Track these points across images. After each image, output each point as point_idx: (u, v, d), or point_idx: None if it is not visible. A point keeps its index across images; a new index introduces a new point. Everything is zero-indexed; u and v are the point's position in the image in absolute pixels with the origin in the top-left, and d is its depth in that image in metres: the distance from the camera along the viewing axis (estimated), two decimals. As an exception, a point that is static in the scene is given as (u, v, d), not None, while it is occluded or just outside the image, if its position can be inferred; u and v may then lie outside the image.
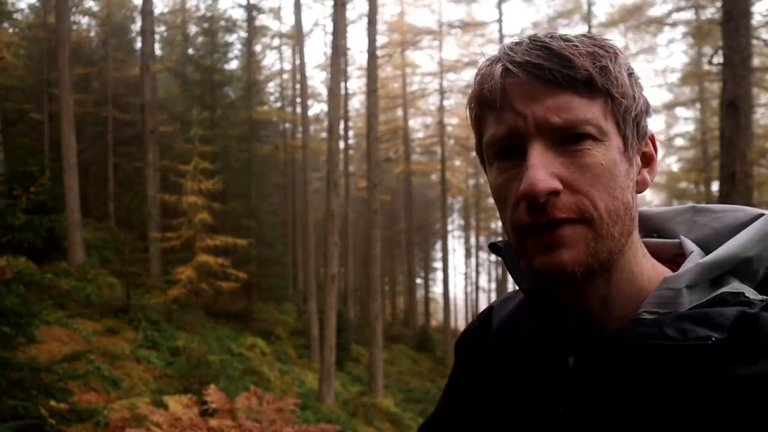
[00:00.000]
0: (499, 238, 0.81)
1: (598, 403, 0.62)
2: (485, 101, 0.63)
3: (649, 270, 0.66)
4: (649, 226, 0.76)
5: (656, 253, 0.70)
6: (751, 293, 0.61)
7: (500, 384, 0.74)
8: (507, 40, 0.65)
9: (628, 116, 0.62)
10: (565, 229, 0.59)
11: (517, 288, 0.76)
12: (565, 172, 0.59)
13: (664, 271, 0.67)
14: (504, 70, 0.61)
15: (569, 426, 0.63)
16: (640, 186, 0.65)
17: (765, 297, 0.60)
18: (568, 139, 0.60)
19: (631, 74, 0.62)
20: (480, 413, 0.76)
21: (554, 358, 0.68)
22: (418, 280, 38.05)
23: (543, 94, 0.59)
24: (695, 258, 0.65)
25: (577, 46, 0.60)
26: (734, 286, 0.61)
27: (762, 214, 0.66)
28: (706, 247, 0.68)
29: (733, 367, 0.55)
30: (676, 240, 0.72)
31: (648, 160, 0.67)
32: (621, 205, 0.61)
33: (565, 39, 0.61)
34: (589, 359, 0.63)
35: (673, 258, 0.70)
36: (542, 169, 0.58)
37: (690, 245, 0.69)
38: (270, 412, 5.69)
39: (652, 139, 0.67)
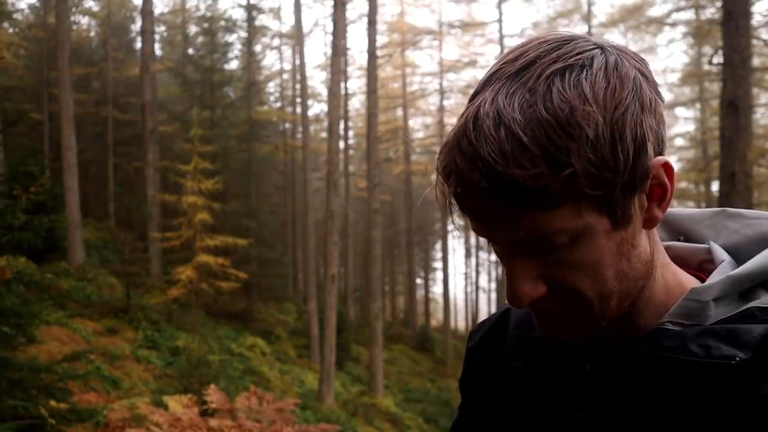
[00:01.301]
0: None
1: (616, 410, 0.61)
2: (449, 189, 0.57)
3: (670, 280, 0.63)
4: (676, 228, 0.73)
5: (682, 258, 0.68)
6: None
7: (516, 385, 0.73)
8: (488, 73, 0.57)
9: (613, 191, 0.54)
10: (560, 317, 0.60)
11: None
12: (548, 271, 0.57)
13: (687, 280, 0.64)
14: (461, 191, 0.55)
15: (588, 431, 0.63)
16: (649, 224, 0.60)
17: None
18: (544, 249, 0.56)
19: (616, 121, 0.53)
20: (496, 414, 0.75)
21: (572, 362, 0.67)
22: (418, 280, 38.05)
23: (505, 215, 0.54)
24: (726, 268, 0.62)
25: (530, 154, 0.50)
26: (764, 300, 0.59)
27: None
28: (736, 254, 0.65)
29: (757, 387, 0.53)
30: (705, 245, 0.68)
31: (657, 194, 0.58)
32: (613, 281, 0.58)
33: (515, 138, 0.51)
34: (607, 366, 0.63)
35: (700, 264, 0.68)
36: (520, 280, 0.57)
37: (720, 253, 0.66)
38: (270, 412, 5.69)
39: (667, 167, 0.58)
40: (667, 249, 0.67)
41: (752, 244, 0.65)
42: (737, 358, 0.54)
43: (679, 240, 0.72)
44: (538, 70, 0.53)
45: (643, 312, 0.62)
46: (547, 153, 0.51)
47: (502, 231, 0.56)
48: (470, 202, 0.55)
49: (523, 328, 0.75)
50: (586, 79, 0.53)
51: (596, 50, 0.55)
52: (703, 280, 0.64)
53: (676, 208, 0.73)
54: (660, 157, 0.57)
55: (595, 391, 0.63)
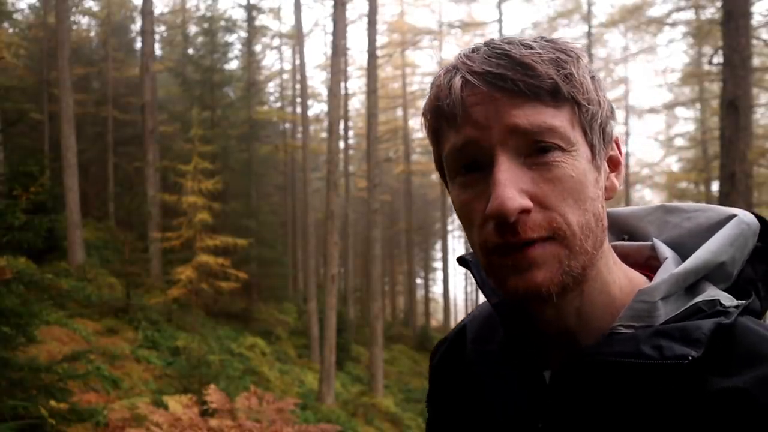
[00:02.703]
0: None
1: (577, 419, 0.61)
2: (443, 115, 0.59)
3: (621, 278, 0.64)
4: (620, 227, 0.73)
5: (628, 256, 0.68)
6: (726, 299, 0.60)
7: (477, 398, 0.72)
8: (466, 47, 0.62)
9: (595, 123, 0.59)
10: (536, 248, 0.56)
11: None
12: (534, 188, 0.56)
13: (636, 278, 0.65)
14: (463, 82, 0.57)
15: None
16: (609, 192, 0.63)
17: (740, 302, 0.60)
18: (536, 151, 0.56)
19: (593, 77, 0.59)
20: (462, 428, 0.74)
21: (530, 372, 0.66)
22: (418, 280, 38.06)
23: (507, 105, 0.56)
24: (669, 265, 0.63)
25: (539, 52, 0.56)
26: (709, 293, 0.60)
27: (734, 215, 0.65)
28: (679, 248, 0.66)
29: (710, 381, 0.54)
30: (649, 243, 0.70)
31: (615, 165, 0.64)
32: (592, 217, 0.58)
33: (525, 45, 0.57)
34: (565, 375, 0.62)
35: (646, 261, 0.69)
36: (510, 186, 0.55)
37: (663, 249, 0.67)
38: (270, 412, 5.69)
39: (617, 143, 0.64)
40: (614, 249, 0.67)
41: (693, 237, 0.66)
42: (690, 357, 0.54)
43: (623, 239, 0.73)
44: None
45: (596, 305, 0.62)
46: (552, 57, 0.57)
47: (500, 126, 0.56)
48: (470, 97, 0.57)
49: (480, 342, 0.75)
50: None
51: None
52: (651, 278, 0.64)
53: (617, 207, 0.75)
54: (615, 132, 0.64)
55: (555, 400, 0.63)
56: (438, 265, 39.48)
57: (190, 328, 12.04)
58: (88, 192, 19.65)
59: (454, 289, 35.33)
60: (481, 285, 0.70)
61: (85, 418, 5.05)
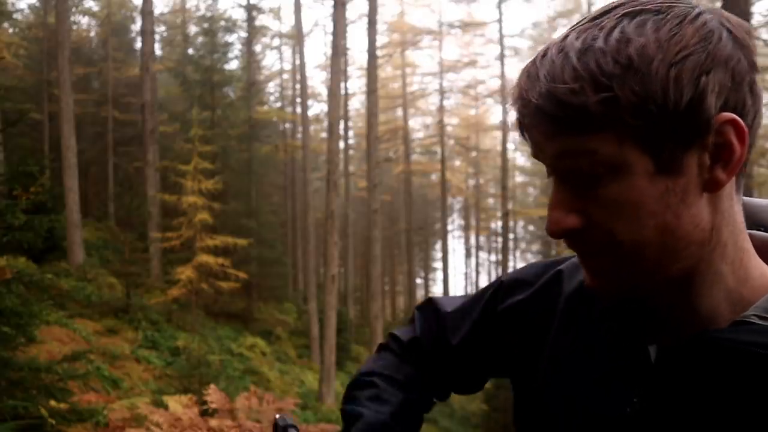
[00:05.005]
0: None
1: (679, 401, 0.59)
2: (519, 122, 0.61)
3: (751, 268, 0.61)
4: (755, 218, 0.69)
5: (760, 250, 0.65)
6: None
7: (564, 357, 0.70)
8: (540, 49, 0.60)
9: (658, 130, 0.53)
10: (589, 260, 0.60)
11: None
12: (585, 206, 0.57)
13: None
14: (519, 107, 0.59)
15: (644, 420, 0.61)
16: (710, 186, 0.56)
17: None
18: (582, 180, 0.56)
19: (675, 63, 0.52)
20: (536, 380, 0.73)
21: (634, 346, 0.64)
22: (418, 280, 38.08)
23: (549, 133, 0.56)
24: None
25: (578, 75, 0.53)
26: None
27: None
28: None
29: None
30: None
31: (721, 152, 0.55)
32: (652, 231, 0.55)
33: (567, 62, 0.54)
34: (679, 354, 0.59)
35: None
36: (559, 208, 0.58)
37: None
38: (270, 412, 5.69)
39: (735, 124, 0.54)
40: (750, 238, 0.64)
41: None
42: None
43: (760, 230, 0.68)
44: (613, 12, 0.56)
45: (710, 296, 0.59)
46: (592, 76, 0.52)
47: (545, 153, 0.58)
48: (525, 121, 0.58)
49: (578, 299, 0.72)
50: (653, 21, 0.54)
51: (686, 6, 0.55)
52: None
53: (755, 198, 0.70)
54: (726, 113, 0.54)
55: (660, 377, 0.60)
56: (438, 265, 39.51)
57: (190, 328, 12.05)
58: (88, 192, 19.67)
59: (454, 289, 35.36)
60: None
61: (85, 418, 5.05)
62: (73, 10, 21.77)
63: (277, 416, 0.85)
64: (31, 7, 22.17)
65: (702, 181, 0.56)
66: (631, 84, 0.52)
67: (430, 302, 0.94)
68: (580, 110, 0.53)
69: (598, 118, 0.53)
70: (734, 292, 0.59)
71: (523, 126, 0.59)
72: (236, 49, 21.25)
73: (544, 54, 0.57)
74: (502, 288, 0.82)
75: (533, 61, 0.58)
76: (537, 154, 0.59)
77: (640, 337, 0.64)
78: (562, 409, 0.68)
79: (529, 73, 0.57)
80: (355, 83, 32.21)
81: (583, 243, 0.58)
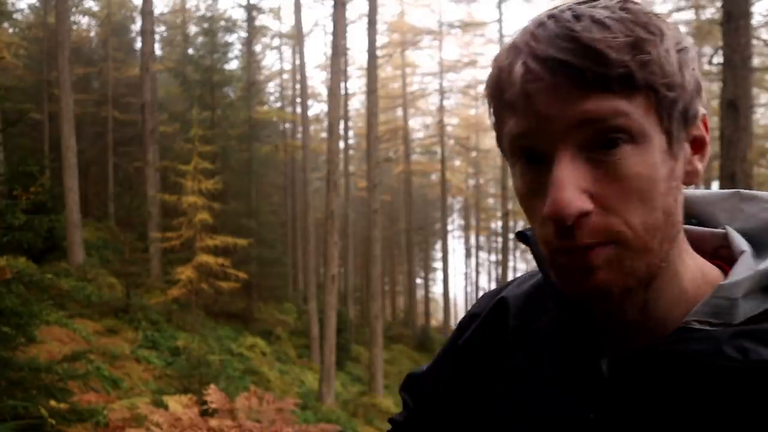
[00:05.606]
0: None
1: (635, 413, 0.57)
2: (503, 100, 0.55)
3: (693, 269, 0.59)
4: (689, 210, 0.67)
5: (695, 243, 0.64)
6: None
7: (519, 382, 0.68)
8: (528, 25, 0.55)
9: (675, 107, 0.53)
10: (596, 252, 0.53)
11: (530, 270, 0.72)
12: (596, 187, 0.52)
13: (710, 272, 0.61)
14: (525, 69, 0.52)
15: None
16: (691, 177, 0.57)
17: None
18: (601, 145, 0.52)
19: (681, 52, 0.53)
20: (489, 415, 0.71)
21: (585, 358, 0.62)
22: (418, 280, 38.08)
23: (572, 95, 0.51)
24: (748, 260, 0.58)
25: (614, 33, 0.50)
26: None
27: None
28: (752, 240, 0.61)
29: None
30: (721, 231, 0.64)
31: (699, 146, 0.58)
32: (661, 215, 0.54)
33: (598, 22, 0.50)
34: (629, 366, 0.58)
35: (715, 251, 0.64)
36: (569, 187, 0.51)
37: (739, 241, 0.61)
38: (270, 412, 5.69)
39: (704, 121, 0.57)
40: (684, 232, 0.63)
41: None
42: None
43: (691, 223, 0.67)
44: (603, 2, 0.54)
45: (664, 297, 0.58)
46: (627, 39, 0.50)
47: (564, 119, 0.51)
48: (532, 86, 0.52)
49: (525, 317, 0.70)
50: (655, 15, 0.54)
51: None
52: (721, 269, 0.61)
53: (687, 189, 0.68)
54: (702, 108, 0.56)
55: (614, 391, 0.59)
56: (438, 265, 39.51)
57: (190, 328, 12.05)
58: (88, 192, 19.67)
59: (454, 289, 35.39)
60: (539, 262, 0.66)
61: (85, 418, 5.05)
62: (73, 10, 21.78)
63: None
64: (31, 7, 22.20)
65: (686, 171, 0.56)
66: (662, 52, 0.51)
67: (407, 377, 0.94)
68: (620, 66, 0.49)
69: (634, 79, 0.50)
70: (684, 292, 0.58)
71: (522, 95, 0.53)
72: (236, 49, 21.29)
73: (549, 19, 0.53)
74: (461, 326, 0.81)
75: (536, 24, 0.54)
76: (540, 126, 0.52)
77: (590, 349, 0.62)
78: (521, 425, 0.66)
79: (539, 34, 0.52)
80: (355, 83, 32.28)
81: (588, 234, 0.52)
